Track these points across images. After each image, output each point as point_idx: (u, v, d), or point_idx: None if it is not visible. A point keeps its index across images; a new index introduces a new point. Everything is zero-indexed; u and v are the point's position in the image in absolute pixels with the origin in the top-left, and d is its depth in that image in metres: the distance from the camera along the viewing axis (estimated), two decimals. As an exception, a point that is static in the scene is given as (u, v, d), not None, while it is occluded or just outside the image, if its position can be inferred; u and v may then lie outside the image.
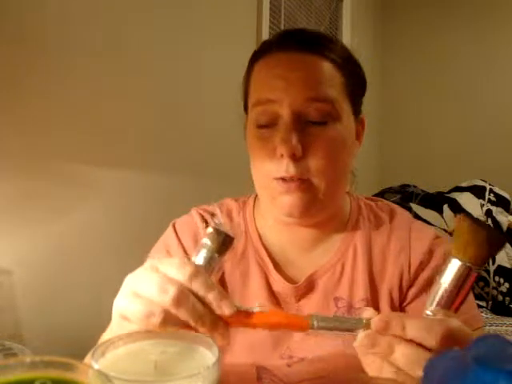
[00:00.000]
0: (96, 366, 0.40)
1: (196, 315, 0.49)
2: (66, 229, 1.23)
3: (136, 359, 0.43)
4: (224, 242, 0.54)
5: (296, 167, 0.70)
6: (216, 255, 0.54)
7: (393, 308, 0.75)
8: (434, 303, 0.49)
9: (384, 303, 0.74)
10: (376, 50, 3.48)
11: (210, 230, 0.54)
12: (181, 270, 0.50)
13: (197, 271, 0.50)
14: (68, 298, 1.24)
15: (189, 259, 0.54)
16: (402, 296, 0.75)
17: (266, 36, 2.06)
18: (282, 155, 0.71)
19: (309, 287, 0.77)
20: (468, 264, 0.47)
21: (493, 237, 0.47)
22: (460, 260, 0.48)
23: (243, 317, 0.50)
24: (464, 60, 3.31)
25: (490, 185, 2.36)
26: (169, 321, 0.49)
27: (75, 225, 1.26)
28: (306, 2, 2.52)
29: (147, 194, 1.47)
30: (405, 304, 0.76)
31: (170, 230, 0.85)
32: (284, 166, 0.71)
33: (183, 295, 0.48)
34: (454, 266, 0.48)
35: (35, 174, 1.16)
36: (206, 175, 1.70)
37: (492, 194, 2.32)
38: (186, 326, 0.49)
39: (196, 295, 0.49)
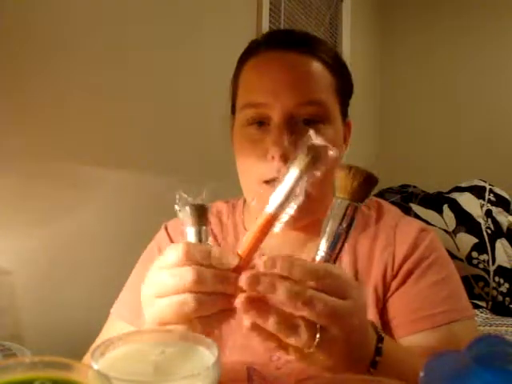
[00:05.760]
0: (95, 367, 0.40)
1: (220, 280, 0.50)
2: (66, 229, 1.23)
3: (135, 359, 0.43)
4: (202, 213, 0.56)
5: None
6: (203, 228, 0.56)
7: (377, 305, 0.75)
8: (326, 242, 0.54)
9: (369, 301, 0.74)
10: (376, 49, 3.48)
11: (186, 209, 0.55)
12: (178, 253, 0.51)
13: (190, 246, 0.51)
14: (68, 298, 1.24)
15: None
16: (386, 289, 0.75)
17: (265, 36, 2.06)
18: (273, 157, 0.70)
19: None
20: (352, 202, 0.53)
21: (368, 177, 0.54)
22: (344, 199, 0.54)
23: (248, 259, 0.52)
24: (464, 60, 3.31)
25: (489, 185, 2.36)
26: (202, 302, 0.49)
27: (75, 225, 1.26)
28: (305, 2, 2.52)
29: (147, 195, 1.47)
30: (388, 295, 0.75)
31: (162, 231, 0.86)
32: (275, 168, 0.70)
33: (197, 271, 0.49)
34: (340, 206, 0.54)
35: (35, 174, 1.16)
36: (206, 177, 1.70)
37: (492, 194, 2.32)
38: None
39: (202, 265, 0.50)
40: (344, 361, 0.51)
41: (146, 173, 1.47)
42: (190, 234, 0.56)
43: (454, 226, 2.16)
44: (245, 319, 0.49)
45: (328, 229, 0.54)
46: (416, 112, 3.42)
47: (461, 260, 2.10)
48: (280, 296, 0.47)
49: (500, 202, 2.32)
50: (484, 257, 2.11)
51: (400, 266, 0.75)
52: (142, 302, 0.54)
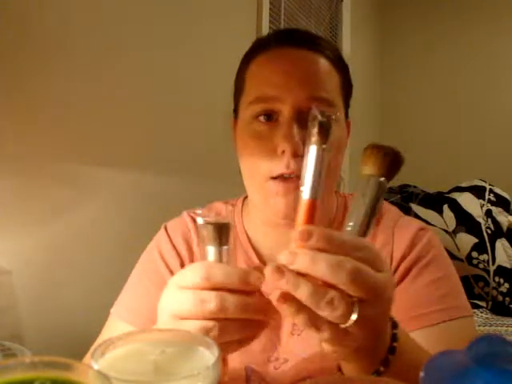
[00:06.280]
0: (95, 366, 0.39)
1: (243, 308, 0.48)
2: (66, 229, 1.23)
3: (135, 359, 0.43)
4: (224, 232, 0.54)
5: (297, 163, 0.69)
6: (224, 247, 0.54)
7: None
8: (353, 218, 0.53)
9: None
10: (376, 49, 3.48)
11: (207, 226, 0.54)
12: (200, 274, 0.49)
13: (212, 267, 0.50)
14: (68, 298, 1.24)
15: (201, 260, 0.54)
16: None
17: (265, 36, 2.06)
18: (283, 152, 0.70)
19: None
20: (381, 179, 0.54)
21: (396, 156, 0.56)
22: (370, 176, 0.53)
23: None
24: (464, 60, 3.31)
25: (489, 185, 2.36)
26: (224, 330, 0.49)
27: (75, 225, 1.26)
28: (305, 2, 2.52)
29: (147, 195, 1.47)
30: None
31: (162, 232, 0.85)
32: (285, 162, 0.70)
33: (220, 298, 0.48)
34: (366, 182, 0.53)
35: (35, 174, 1.16)
36: (206, 177, 1.70)
37: (492, 194, 2.32)
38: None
39: (225, 288, 0.49)
40: (372, 342, 0.49)
41: (145, 173, 1.47)
42: (211, 253, 0.54)
43: (454, 225, 2.16)
44: (274, 293, 0.47)
45: (354, 204, 0.53)
46: (416, 112, 3.42)
47: (461, 260, 2.10)
48: (321, 268, 0.44)
49: (500, 202, 2.32)
50: (484, 257, 2.11)
51: (398, 265, 0.75)
52: (159, 318, 0.53)
